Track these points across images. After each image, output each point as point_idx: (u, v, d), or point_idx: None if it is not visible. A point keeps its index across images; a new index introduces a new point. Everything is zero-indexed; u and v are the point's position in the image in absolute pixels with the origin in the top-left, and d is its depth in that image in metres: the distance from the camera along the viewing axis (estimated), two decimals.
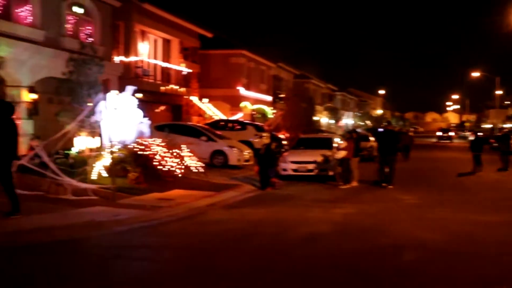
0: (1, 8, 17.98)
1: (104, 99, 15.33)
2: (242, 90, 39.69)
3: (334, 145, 20.85)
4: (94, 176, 14.40)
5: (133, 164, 14.88)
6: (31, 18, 19.17)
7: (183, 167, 16.03)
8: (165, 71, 31.46)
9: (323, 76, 66.53)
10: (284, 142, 27.64)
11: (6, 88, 15.57)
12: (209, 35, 35.68)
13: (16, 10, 18.73)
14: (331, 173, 19.26)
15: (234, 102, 39.06)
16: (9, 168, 10.21)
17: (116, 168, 13.98)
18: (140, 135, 15.89)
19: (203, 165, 17.48)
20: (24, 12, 19.02)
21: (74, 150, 15.81)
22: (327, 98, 70.90)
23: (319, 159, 19.38)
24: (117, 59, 25.86)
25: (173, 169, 15.55)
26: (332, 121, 64.92)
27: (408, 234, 10.11)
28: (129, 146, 15.17)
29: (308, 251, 8.71)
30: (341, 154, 18.44)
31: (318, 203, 14.08)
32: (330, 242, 9.46)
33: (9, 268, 7.36)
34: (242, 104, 39.76)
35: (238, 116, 37.26)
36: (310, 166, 19.40)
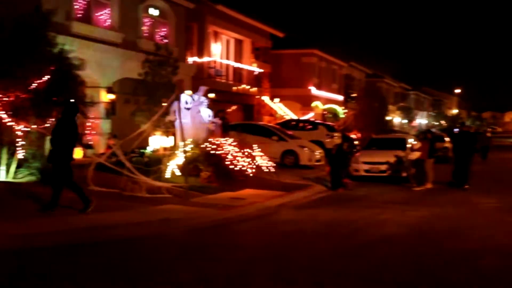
0: (82, 12, 18.72)
1: (178, 99, 15.65)
2: (313, 90, 39.52)
3: (408, 145, 20.36)
4: (167, 174, 14.73)
5: (205, 163, 15.11)
6: (110, 21, 19.86)
7: (254, 166, 16.13)
8: (237, 71, 31.78)
9: (396, 75, 65.20)
10: (356, 142, 27.27)
11: (86, 89, 16.20)
12: (280, 35, 35.75)
13: (96, 14, 19.45)
14: (404, 174, 18.83)
15: (305, 101, 38.96)
16: (68, 167, 10.51)
17: (189, 167, 14.24)
18: (212, 134, 16.12)
19: (274, 164, 17.51)
20: (104, 16, 19.74)
21: (149, 149, 16.25)
22: (400, 97, 69.39)
23: (392, 159, 18.99)
24: (190, 60, 26.36)
25: (245, 168, 15.67)
26: (405, 121, 63.44)
27: (487, 239, 9.71)
28: (201, 146, 15.42)
29: (382, 255, 8.50)
30: (416, 155, 17.98)
31: (391, 205, 13.79)
32: (405, 246, 9.21)
33: (87, 263, 7.61)
34: (313, 104, 39.58)
35: (309, 116, 37.13)
36: (383, 167, 19.05)
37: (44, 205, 10.63)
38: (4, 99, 13.04)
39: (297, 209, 13.14)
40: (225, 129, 18.63)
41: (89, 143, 17.63)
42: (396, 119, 60.31)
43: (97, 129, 17.45)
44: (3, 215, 9.74)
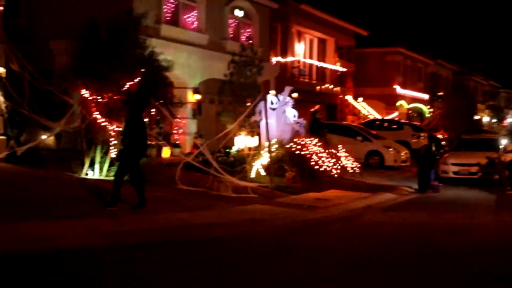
0: (170, 15, 19.23)
1: (263, 99, 15.74)
2: (398, 89, 38.60)
3: (500, 146, 19.45)
4: (252, 174, 14.86)
5: (290, 163, 15.11)
6: (196, 23, 20.28)
7: (339, 167, 15.96)
8: (320, 71, 31.57)
9: (485, 73, 62.39)
10: (443, 143, 26.36)
11: (173, 89, 16.64)
12: (364, 33, 35.17)
13: (184, 17, 19.92)
14: (496, 176, 17.98)
15: (389, 101, 38.12)
16: (138, 164, 10.74)
17: (274, 167, 14.29)
18: (297, 134, 16.09)
19: (359, 165, 17.26)
20: (190, 18, 20.18)
21: (234, 149, 16.46)
22: (489, 95, 66.38)
23: (483, 161, 18.20)
24: (274, 60, 26.45)
25: (329, 169, 15.54)
26: (495, 121, 60.61)
27: None
28: (286, 146, 15.43)
29: (481, 263, 8.05)
30: (510, 156, 17.14)
31: (483, 209, 13.22)
32: (502, 255, 8.74)
33: (176, 261, 7.76)
34: (398, 103, 38.65)
35: (393, 115, 36.30)
36: (473, 169, 18.33)
37: (106, 202, 10.88)
38: (99, 100, 13.64)
39: (384, 211, 12.87)
40: (320, 128, 18.36)
41: (177, 142, 18.07)
42: (485, 118, 57.78)
43: (184, 128, 17.86)
44: (98, 212, 10.17)
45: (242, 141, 16.69)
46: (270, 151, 13.37)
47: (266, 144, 15.30)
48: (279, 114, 15.89)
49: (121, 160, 10.72)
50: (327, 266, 7.70)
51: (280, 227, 10.39)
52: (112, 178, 13.90)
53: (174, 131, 18.03)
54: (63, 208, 10.19)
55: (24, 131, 15.72)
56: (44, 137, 16.44)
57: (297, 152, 15.33)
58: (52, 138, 15.93)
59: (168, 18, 19.08)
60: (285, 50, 27.66)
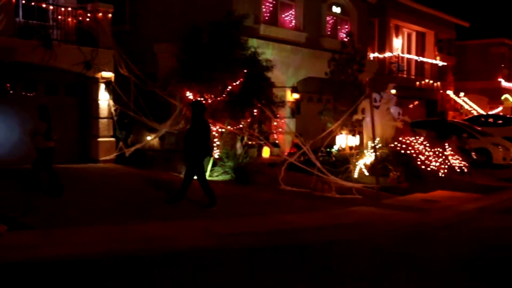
0: (269, 14, 19.24)
1: (365, 97, 15.35)
2: (502, 82, 36.57)
3: None
4: (355, 174, 14.53)
5: (394, 163, 14.62)
6: (294, 21, 20.17)
7: (446, 166, 15.27)
8: (419, 65, 30.48)
9: None
10: None
11: (273, 89, 16.64)
12: (465, 24, 33.59)
13: (282, 15, 19.87)
14: None
15: (493, 95, 36.19)
16: (202, 164, 10.73)
17: (378, 167, 13.88)
18: (401, 133, 15.57)
19: (467, 164, 16.45)
20: (288, 17, 20.09)
21: (335, 148, 16.18)
22: None
23: None
24: (371, 56, 25.85)
25: (436, 168, 14.90)
26: None
27: None
28: (390, 145, 14.96)
29: None
30: None
31: None
32: None
33: (297, 268, 7.65)
34: (503, 97, 36.61)
35: (498, 110, 34.43)
36: None
37: (169, 199, 10.92)
38: (202, 101, 13.85)
39: (499, 214, 12.11)
40: (447, 129, 17.68)
41: (276, 142, 18.07)
42: None
43: (282, 128, 17.80)
44: (206, 212, 10.29)
45: (343, 140, 16.38)
46: (375, 151, 12.97)
47: (370, 143, 14.92)
48: (383, 112, 15.43)
49: (187, 160, 10.76)
50: (449, 276, 7.24)
51: (391, 231, 10.02)
52: (215, 178, 14.16)
53: (274, 131, 18.02)
54: (172, 208, 10.41)
55: (132, 132, 16.32)
56: (149, 138, 17.01)
57: (402, 151, 14.81)
58: (156, 139, 16.42)
59: (267, 17, 19.10)
60: (383, 45, 26.95)
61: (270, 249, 8.36)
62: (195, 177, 10.76)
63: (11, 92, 14.48)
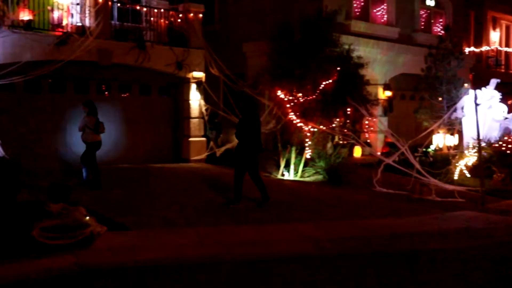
0: (359, 10, 18.67)
1: (465, 93, 14.49)
2: None
3: None
4: (455, 176, 13.72)
5: (499, 164, 13.68)
6: (386, 16, 19.47)
7: None
8: None
9: None
10: None
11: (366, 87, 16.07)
12: None
13: (374, 10, 19.23)
14: None
15: None
16: (256, 160, 10.34)
17: (483, 168, 13.01)
18: (506, 132, 14.55)
19: None
20: (380, 11, 19.41)
21: (431, 148, 15.40)
22: None
23: None
24: (467, 50, 24.58)
25: None
26: None
27: None
28: (494, 145, 14.01)
29: None
30: None
31: None
32: None
33: (409, 279, 7.20)
34: None
35: None
36: None
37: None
38: (294, 101, 13.56)
39: None
40: None
41: (367, 141, 17.49)
42: None
43: (374, 127, 17.19)
44: (292, 214, 9.98)
45: (441, 140, 15.55)
46: (479, 151, 12.14)
47: (471, 143, 14.05)
48: (485, 109, 14.48)
49: (238, 156, 10.37)
50: None
51: (502, 239, 9.21)
52: (307, 179, 13.85)
53: (366, 130, 17.47)
54: (270, 211, 10.16)
55: (221, 132, 16.30)
56: None
57: (508, 151, 13.82)
58: None
59: (358, 13, 18.54)
60: (480, 38, 25.56)
61: (374, 255, 7.89)
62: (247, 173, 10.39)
63: (106, 93, 14.83)
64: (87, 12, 13.60)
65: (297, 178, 13.90)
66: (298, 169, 13.98)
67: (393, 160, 13.65)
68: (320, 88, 13.28)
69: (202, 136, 15.77)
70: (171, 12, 15.29)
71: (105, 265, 6.95)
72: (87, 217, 7.82)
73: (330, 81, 13.23)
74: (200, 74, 15.43)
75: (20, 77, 12.04)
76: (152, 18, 15.11)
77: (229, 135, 17.03)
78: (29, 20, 12.63)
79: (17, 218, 7.66)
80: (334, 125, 13.93)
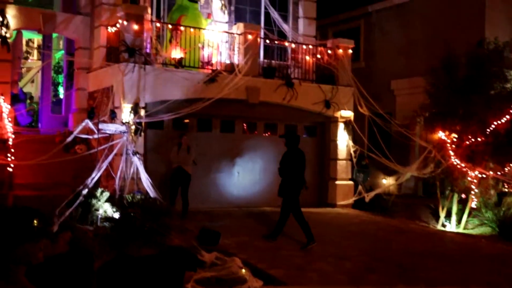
0: None
1: None
2: None
3: None
4: None
5: None
6: None
7: None
8: None
9: None
10: None
11: None
12: None
13: None
14: None
15: None
16: (297, 197, 9.86)
17: None
18: None
19: None
20: None
21: None
22: None
23: None
24: None
25: None
26: None
27: None
28: None
29: None
30: None
31: None
32: None
33: None
34: None
35: None
36: None
37: (267, 234, 10.07)
38: (459, 142, 12.14)
39: None
40: None
41: None
42: None
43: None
44: (483, 279, 8.50)
45: None
46: None
47: None
48: None
49: (282, 194, 9.91)
50: None
51: None
52: (470, 231, 12.26)
53: None
54: (442, 268, 8.79)
55: (369, 175, 15.09)
56: (385, 181, 15.74)
57: None
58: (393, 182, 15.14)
59: None
60: None
61: None
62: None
63: (256, 132, 14.32)
64: (236, 49, 13.27)
65: (460, 230, 12.34)
66: (460, 220, 12.43)
67: None
68: (491, 128, 11.75)
69: (349, 180, 14.69)
70: (320, 48, 14.57)
71: None
72: (243, 270, 7.07)
73: (503, 120, 11.67)
74: (348, 113, 14.47)
75: (171, 114, 11.82)
76: (299, 55, 14.50)
77: (374, 178, 15.85)
78: (181, 58, 12.49)
79: (169, 265, 7.08)
80: (506, 170, 12.24)
